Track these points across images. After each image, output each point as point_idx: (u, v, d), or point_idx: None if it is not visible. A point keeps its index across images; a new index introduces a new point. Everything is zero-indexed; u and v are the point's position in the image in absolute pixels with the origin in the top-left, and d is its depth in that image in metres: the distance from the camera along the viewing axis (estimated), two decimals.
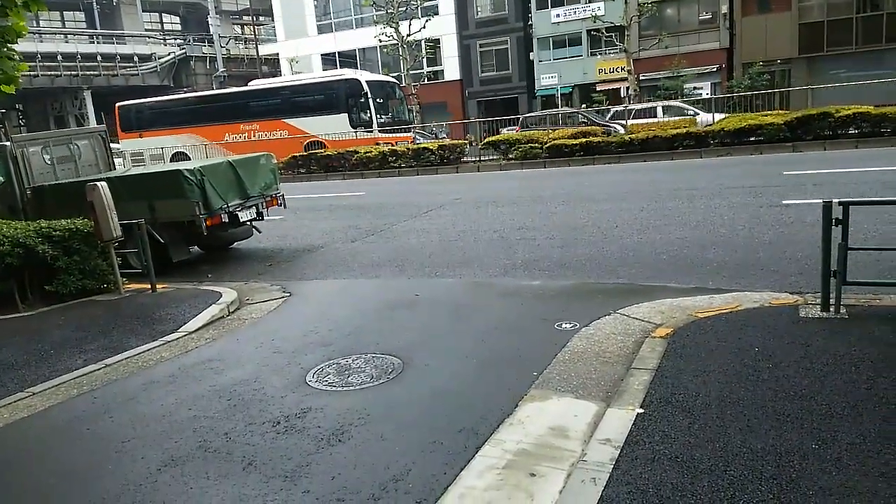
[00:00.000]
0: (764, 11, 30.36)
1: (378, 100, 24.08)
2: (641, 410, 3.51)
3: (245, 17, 56.00)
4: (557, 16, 34.50)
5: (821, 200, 4.71)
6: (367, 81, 23.96)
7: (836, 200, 4.62)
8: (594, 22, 28.24)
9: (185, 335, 5.88)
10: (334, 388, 4.34)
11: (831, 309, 4.68)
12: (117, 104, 29.25)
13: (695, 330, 4.66)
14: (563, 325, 5.12)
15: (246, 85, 28.58)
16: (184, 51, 48.45)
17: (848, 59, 28.19)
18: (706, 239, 7.70)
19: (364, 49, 39.76)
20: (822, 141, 15.81)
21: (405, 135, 24.97)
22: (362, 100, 23.56)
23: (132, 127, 28.34)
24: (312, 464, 3.37)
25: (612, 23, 27.65)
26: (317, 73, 30.52)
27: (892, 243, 5.98)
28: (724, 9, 30.55)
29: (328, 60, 41.33)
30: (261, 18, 53.08)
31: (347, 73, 26.12)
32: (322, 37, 41.93)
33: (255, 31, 48.51)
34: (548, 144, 19.10)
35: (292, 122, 25.13)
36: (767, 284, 5.76)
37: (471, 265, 7.65)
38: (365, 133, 23.49)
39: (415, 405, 3.98)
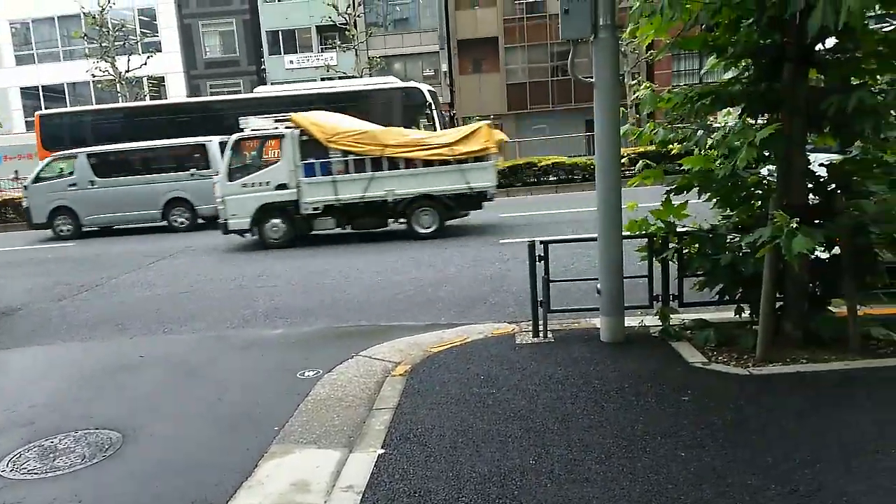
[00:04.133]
0: (477, 71, 34.15)
1: (441, 113, 20.30)
2: (382, 451, 3.57)
3: None
4: (291, 62, 34.74)
5: (527, 240, 5.35)
6: (428, 91, 20.24)
7: (539, 240, 5.29)
8: (328, 71, 29.00)
9: None
10: (36, 476, 3.69)
11: (541, 335, 5.30)
12: (39, 113, 22.11)
13: (429, 365, 4.92)
14: (306, 374, 5.03)
15: None
16: None
17: (547, 116, 32.90)
18: (438, 277, 8.24)
19: (74, 84, 35.63)
20: (529, 187, 18.11)
21: None
22: (427, 111, 19.70)
23: (64, 143, 21.33)
24: None
25: (345, 73, 28.70)
26: (362, 80, 24.61)
27: (586, 274, 6.97)
28: (445, 67, 33.61)
29: (30, 94, 36.18)
30: None
31: (397, 80, 21.73)
32: (22, 68, 36.66)
33: None
34: None
35: None
36: (490, 317, 6.33)
37: (206, 318, 7.16)
38: None
39: (137, 483, 3.55)
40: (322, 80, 31.63)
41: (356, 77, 27.93)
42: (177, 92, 36.04)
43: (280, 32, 35.04)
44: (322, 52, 33.71)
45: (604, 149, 4.89)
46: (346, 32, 28.20)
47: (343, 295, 7.74)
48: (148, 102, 27.63)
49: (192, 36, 36.30)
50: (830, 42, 4.46)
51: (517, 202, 16.09)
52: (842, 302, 4.65)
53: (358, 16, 29.05)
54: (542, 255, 5.26)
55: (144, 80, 30.49)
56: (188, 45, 36.23)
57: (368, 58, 29.18)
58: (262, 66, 35.81)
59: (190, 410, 4.54)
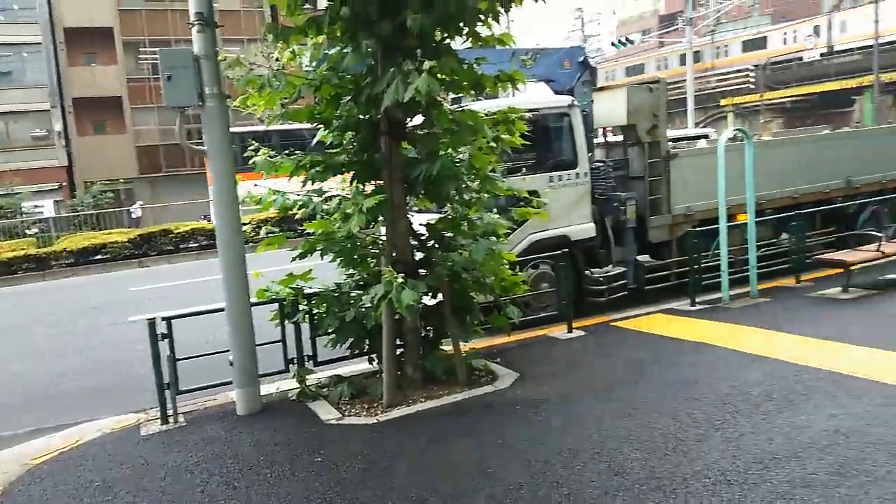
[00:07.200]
0: (101, 132, 31.03)
1: None
2: None
3: None
4: None
5: (160, 315, 4.86)
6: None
7: (160, 316, 4.87)
8: None
9: None
10: None
11: (170, 420, 4.85)
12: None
13: (29, 481, 4.08)
14: None
15: None
16: None
17: (185, 180, 31.28)
18: (55, 369, 7.03)
19: None
20: (168, 255, 16.87)
21: None
22: None
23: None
24: None
25: None
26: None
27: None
28: (59, 127, 29.71)
29: None
30: None
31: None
32: None
33: None
34: None
35: None
36: (114, 408, 5.56)
37: None
38: None
39: None
40: None
41: None
42: None
43: None
44: None
45: (223, 216, 4.79)
46: None
47: None
48: None
49: None
50: (418, 119, 5.14)
51: (152, 272, 14.82)
52: (450, 341, 5.27)
53: None
54: (166, 332, 4.84)
55: None
56: None
57: None
58: None
59: None
